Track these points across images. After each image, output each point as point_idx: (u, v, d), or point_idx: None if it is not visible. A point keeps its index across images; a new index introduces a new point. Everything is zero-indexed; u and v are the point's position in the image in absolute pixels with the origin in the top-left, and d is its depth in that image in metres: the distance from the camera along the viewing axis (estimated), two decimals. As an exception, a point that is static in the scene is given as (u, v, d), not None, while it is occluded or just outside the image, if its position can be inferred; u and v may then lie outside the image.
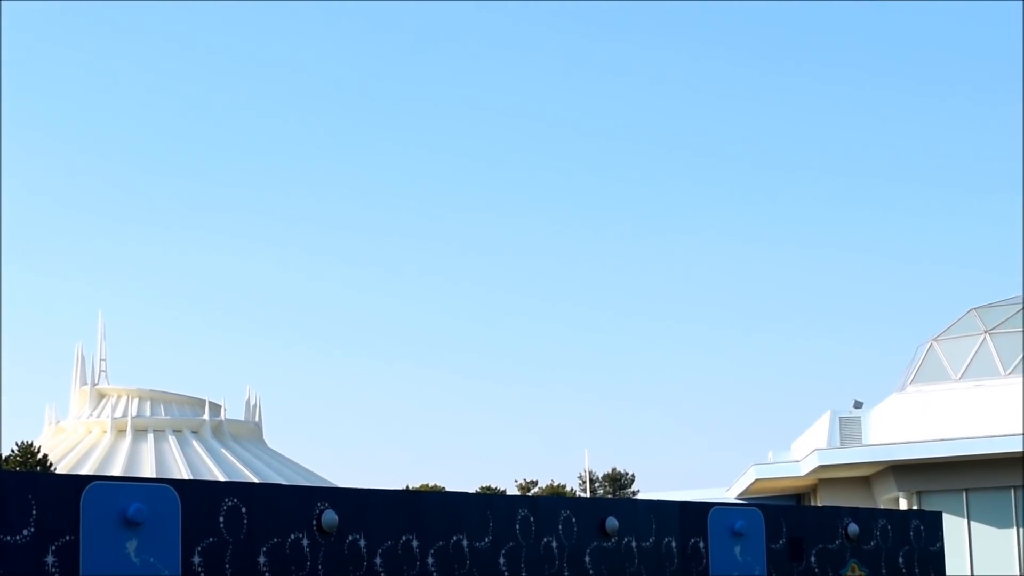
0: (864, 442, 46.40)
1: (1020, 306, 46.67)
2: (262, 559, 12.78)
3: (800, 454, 49.86)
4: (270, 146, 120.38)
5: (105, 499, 11.83)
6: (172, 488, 12.30)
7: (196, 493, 12.51)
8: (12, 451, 51.84)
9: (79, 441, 75.90)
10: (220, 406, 79.23)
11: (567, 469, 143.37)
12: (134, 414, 76.84)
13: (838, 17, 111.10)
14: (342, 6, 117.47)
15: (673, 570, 16.11)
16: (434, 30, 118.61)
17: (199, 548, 12.36)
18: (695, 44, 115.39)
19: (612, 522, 15.63)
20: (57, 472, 51.77)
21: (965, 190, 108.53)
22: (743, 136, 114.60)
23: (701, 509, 16.63)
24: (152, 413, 77.68)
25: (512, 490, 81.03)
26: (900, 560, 18.57)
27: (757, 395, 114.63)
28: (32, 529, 11.42)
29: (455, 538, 14.32)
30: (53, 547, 11.49)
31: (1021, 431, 42.11)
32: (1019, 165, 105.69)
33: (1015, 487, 43.00)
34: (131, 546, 11.92)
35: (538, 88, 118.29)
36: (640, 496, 72.43)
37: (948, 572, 24.91)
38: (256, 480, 68.44)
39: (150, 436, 75.52)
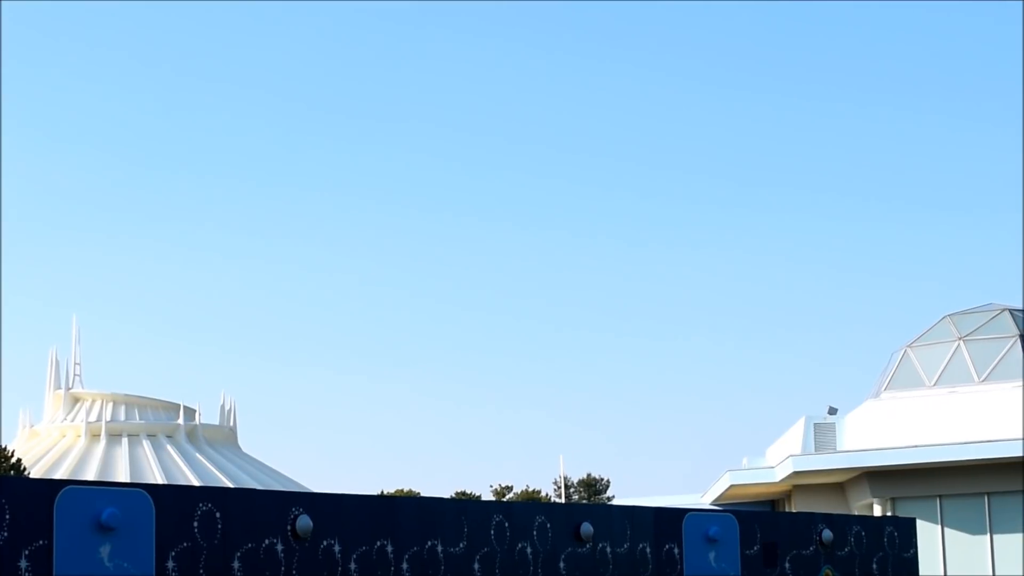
0: (838, 448, 46.53)
1: (994, 313, 46.88)
2: (236, 564, 12.76)
3: (775, 460, 49.96)
4: (244, 152, 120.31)
5: (79, 504, 11.80)
6: (146, 493, 12.28)
7: (170, 498, 12.49)
8: (-15, 455, 51.59)
9: (53, 445, 75.57)
10: (195, 411, 78.99)
11: (542, 474, 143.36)
12: (108, 418, 76.59)
13: (801, 23, 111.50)
14: (309, 7, 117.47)
15: (647, 576, 16.14)
16: (407, 35, 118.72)
17: (173, 553, 12.34)
18: (672, 49, 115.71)
19: (587, 528, 15.65)
20: (31, 476, 51.60)
21: (939, 197, 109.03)
22: (716, 144, 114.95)
23: (676, 515, 16.66)
24: (126, 417, 77.42)
25: (487, 495, 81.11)
26: (874, 566, 18.62)
27: (732, 401, 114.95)
28: (5, 534, 11.38)
29: (430, 543, 14.32)
30: (26, 551, 11.46)
31: (995, 438, 42.30)
32: (994, 174, 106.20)
33: (989, 493, 43.17)
34: (105, 551, 11.89)
35: (493, 95, 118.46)
36: (615, 502, 72.51)
37: (921, 578, 24.96)
38: (231, 485, 68.24)
39: (124, 440, 75.26)
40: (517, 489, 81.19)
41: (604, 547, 15.85)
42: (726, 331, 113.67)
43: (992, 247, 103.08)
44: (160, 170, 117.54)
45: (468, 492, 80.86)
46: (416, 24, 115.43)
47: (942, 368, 45.90)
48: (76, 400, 79.27)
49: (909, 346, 47.34)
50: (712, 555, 16.73)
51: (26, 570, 11.43)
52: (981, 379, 44.98)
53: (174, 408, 79.23)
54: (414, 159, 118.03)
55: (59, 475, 66.86)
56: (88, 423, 76.03)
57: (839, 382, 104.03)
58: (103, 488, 12.20)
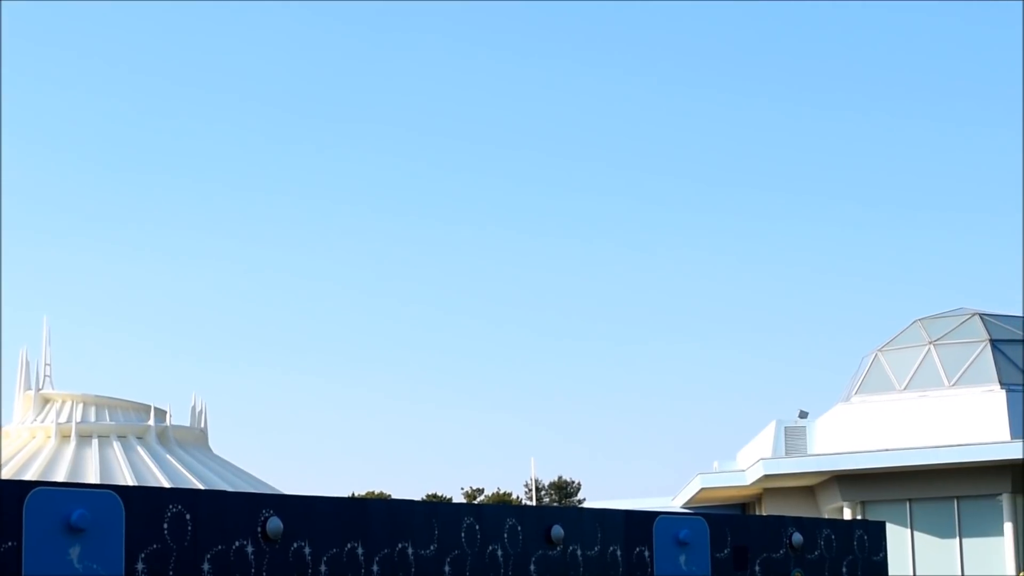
0: (809, 452, 46.72)
1: (965, 317, 47.12)
2: (206, 566, 12.74)
3: (745, 463, 50.11)
4: (216, 154, 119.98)
5: (48, 505, 11.75)
6: (116, 494, 12.24)
7: (140, 499, 12.45)
8: (-46, 456, 51.39)
9: (23, 446, 75.07)
10: (165, 412, 78.53)
11: (513, 477, 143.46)
12: (79, 419, 76.00)
13: (790, 23, 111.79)
14: (306, 7, 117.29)
15: (618, 579, 16.16)
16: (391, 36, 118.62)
17: (143, 555, 12.30)
18: (661, 51, 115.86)
19: (557, 530, 15.66)
20: (0, 478, 51.36)
21: (911, 201, 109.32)
22: (683, 147, 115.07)
23: (646, 518, 16.68)
24: (97, 419, 76.90)
25: (458, 498, 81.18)
26: (844, 569, 18.68)
27: (703, 405, 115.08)
28: (-26, 535, 11.34)
29: (400, 546, 14.32)
30: (-5, 553, 11.42)
31: (964, 442, 42.49)
32: (966, 177, 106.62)
33: (958, 497, 43.39)
34: (74, 552, 11.85)
35: (479, 97, 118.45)
36: (586, 504, 72.59)
37: (891, 582, 25.05)
38: (201, 487, 68.04)
39: (95, 442, 74.79)
40: (488, 492, 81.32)
41: (575, 550, 15.87)
42: (697, 334, 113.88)
43: (963, 251, 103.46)
44: (132, 171, 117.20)
45: (439, 495, 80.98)
46: (410, 27, 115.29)
47: (912, 372, 46.11)
48: (46, 401, 78.79)
49: (880, 350, 47.54)
50: (682, 558, 16.76)
51: (-5, 571, 11.40)
52: (951, 383, 45.19)
53: (145, 409, 78.82)
54: (382, 161, 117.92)
55: (29, 476, 66.54)
56: (58, 424, 75.51)
57: (810, 386, 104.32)
58: (73, 489, 12.15)
